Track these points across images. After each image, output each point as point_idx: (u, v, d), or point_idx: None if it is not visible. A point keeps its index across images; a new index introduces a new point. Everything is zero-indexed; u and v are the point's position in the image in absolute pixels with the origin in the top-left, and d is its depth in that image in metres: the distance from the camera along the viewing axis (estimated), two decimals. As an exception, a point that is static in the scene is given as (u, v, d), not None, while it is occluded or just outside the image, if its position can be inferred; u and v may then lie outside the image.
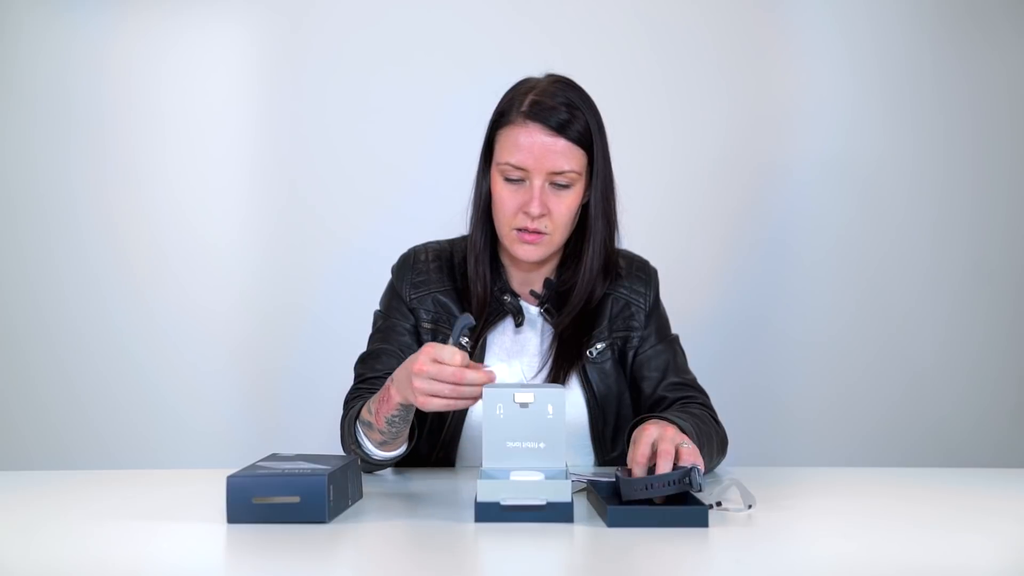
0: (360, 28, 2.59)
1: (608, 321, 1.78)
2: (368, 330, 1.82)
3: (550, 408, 1.37)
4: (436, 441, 1.74)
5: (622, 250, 1.84)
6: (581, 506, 1.39)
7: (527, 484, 1.32)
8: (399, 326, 1.77)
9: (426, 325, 1.77)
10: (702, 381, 1.81)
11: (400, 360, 1.54)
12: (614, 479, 1.40)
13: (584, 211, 1.74)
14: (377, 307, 1.83)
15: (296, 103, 2.61)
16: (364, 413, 1.57)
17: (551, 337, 1.76)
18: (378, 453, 1.58)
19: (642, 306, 1.81)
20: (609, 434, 1.75)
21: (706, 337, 2.38)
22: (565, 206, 1.68)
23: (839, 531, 1.34)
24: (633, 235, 1.83)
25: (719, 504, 1.38)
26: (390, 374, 1.53)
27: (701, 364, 1.87)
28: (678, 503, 1.34)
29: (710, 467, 1.62)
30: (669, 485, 1.33)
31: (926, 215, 2.63)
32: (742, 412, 2.13)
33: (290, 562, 1.20)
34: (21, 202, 2.59)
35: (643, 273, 1.84)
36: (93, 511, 1.45)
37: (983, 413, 2.62)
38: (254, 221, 2.62)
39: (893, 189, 2.63)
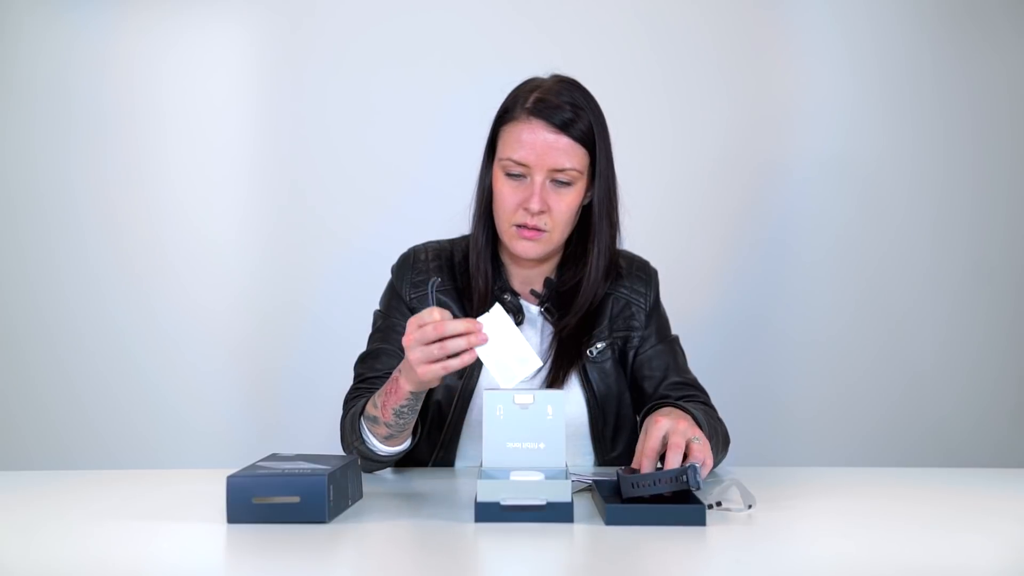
0: (360, 28, 2.59)
1: (608, 321, 1.78)
2: (368, 330, 1.82)
3: (550, 409, 1.37)
4: (436, 441, 1.74)
5: (622, 250, 1.84)
6: (581, 506, 1.39)
7: (527, 484, 1.33)
8: (399, 325, 1.76)
9: (426, 325, 1.77)
10: (702, 381, 1.81)
11: (400, 359, 1.54)
12: (615, 479, 1.40)
13: (587, 212, 1.74)
14: (377, 307, 1.83)
15: (296, 103, 2.62)
16: (369, 408, 1.57)
17: (551, 336, 1.76)
18: (383, 449, 1.58)
19: (642, 306, 1.81)
20: (609, 434, 1.75)
21: (706, 337, 2.38)
22: (565, 204, 1.68)
23: (839, 531, 1.34)
24: (633, 235, 1.83)
25: (719, 504, 1.38)
26: (390, 374, 1.53)
27: (701, 364, 1.87)
28: (677, 501, 1.34)
29: (716, 462, 1.62)
30: (667, 483, 1.33)
31: (926, 215, 2.63)
32: (742, 412, 2.13)
33: (290, 562, 1.21)
34: (21, 202, 2.59)
35: (643, 273, 1.84)
36: (93, 511, 1.45)
37: (983, 413, 2.63)
38: (254, 221, 2.62)
39: (893, 189, 2.63)
